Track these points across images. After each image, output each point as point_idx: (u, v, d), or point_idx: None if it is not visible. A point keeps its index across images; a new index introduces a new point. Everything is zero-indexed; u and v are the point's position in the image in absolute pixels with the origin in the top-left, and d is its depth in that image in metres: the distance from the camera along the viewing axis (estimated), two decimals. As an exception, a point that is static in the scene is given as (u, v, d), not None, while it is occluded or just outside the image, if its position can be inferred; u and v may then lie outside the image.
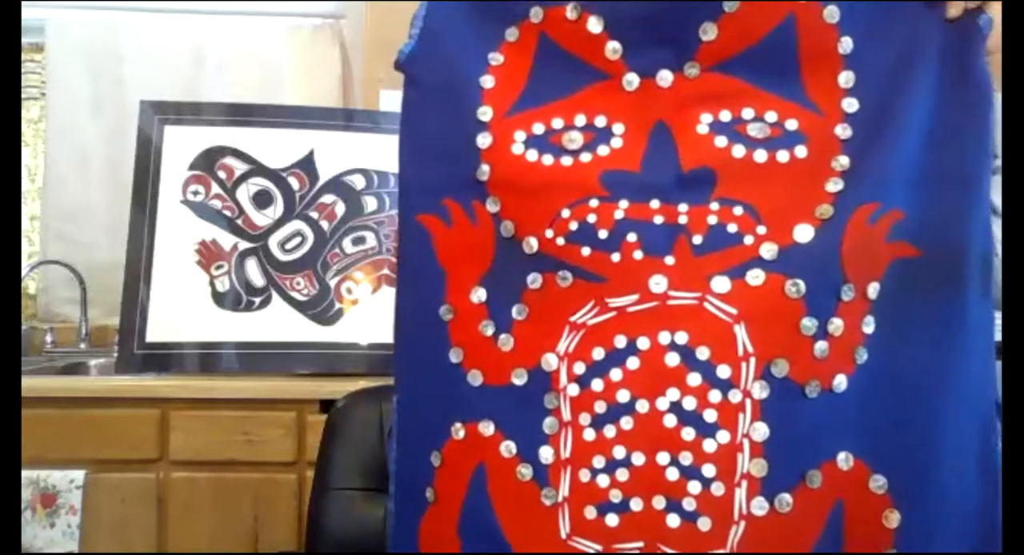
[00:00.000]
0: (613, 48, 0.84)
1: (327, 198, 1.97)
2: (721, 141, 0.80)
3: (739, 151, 0.80)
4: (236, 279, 1.92)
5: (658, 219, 0.80)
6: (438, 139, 0.88)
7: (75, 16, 2.37)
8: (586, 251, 0.80)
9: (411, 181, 0.90)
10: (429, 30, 0.89)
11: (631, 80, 0.83)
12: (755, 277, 0.77)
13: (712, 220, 0.79)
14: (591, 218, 0.81)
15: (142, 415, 1.77)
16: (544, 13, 0.86)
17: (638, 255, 0.79)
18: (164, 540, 1.75)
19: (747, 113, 0.81)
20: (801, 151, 0.79)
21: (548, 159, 0.84)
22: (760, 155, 0.79)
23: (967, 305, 0.77)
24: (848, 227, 0.77)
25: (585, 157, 0.83)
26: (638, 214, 0.80)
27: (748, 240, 0.78)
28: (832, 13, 0.80)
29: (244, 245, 1.94)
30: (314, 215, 1.97)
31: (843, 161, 0.78)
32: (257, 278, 1.93)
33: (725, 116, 0.81)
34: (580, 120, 0.84)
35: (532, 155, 0.84)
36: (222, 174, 1.97)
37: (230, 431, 1.76)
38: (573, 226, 0.81)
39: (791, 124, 0.80)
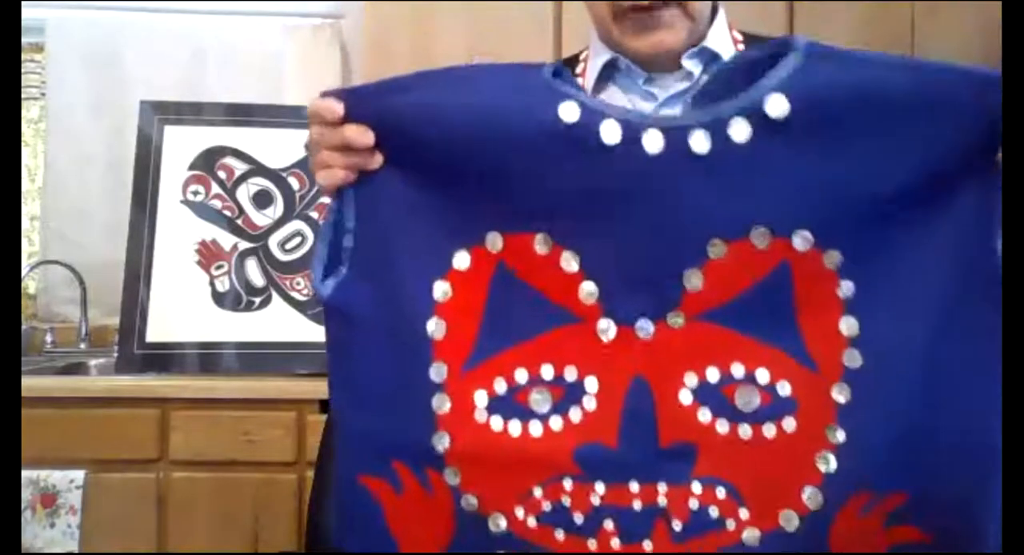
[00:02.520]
0: (589, 290, 0.74)
1: (327, 198, 1.97)
2: (704, 415, 0.73)
3: (723, 426, 0.73)
4: (236, 279, 1.92)
5: (637, 504, 0.73)
6: (381, 393, 0.77)
7: (75, 16, 2.37)
8: (560, 535, 0.74)
9: (351, 433, 0.79)
10: (361, 258, 0.77)
11: (606, 328, 0.74)
12: None
13: (694, 505, 0.73)
14: (566, 501, 0.74)
15: (142, 415, 1.77)
16: (504, 241, 0.75)
17: (616, 543, 0.73)
18: (164, 540, 1.75)
19: (737, 370, 0.73)
20: (789, 424, 0.72)
21: (515, 427, 0.75)
22: (745, 431, 0.72)
23: None
24: (838, 518, 0.71)
25: (556, 423, 0.74)
26: (616, 499, 0.73)
27: (730, 525, 0.72)
28: (833, 258, 0.71)
29: (244, 245, 1.95)
30: (314, 215, 1.97)
31: (839, 435, 0.71)
32: (257, 278, 1.93)
33: (712, 375, 0.73)
34: (547, 372, 0.75)
35: (497, 423, 0.75)
36: (222, 174, 1.97)
37: (230, 431, 1.76)
38: (546, 507, 0.74)
39: (783, 388, 0.72)
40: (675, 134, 0.70)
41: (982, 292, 0.69)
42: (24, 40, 2.36)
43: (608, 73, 0.94)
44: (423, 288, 0.75)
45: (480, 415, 0.75)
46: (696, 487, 0.73)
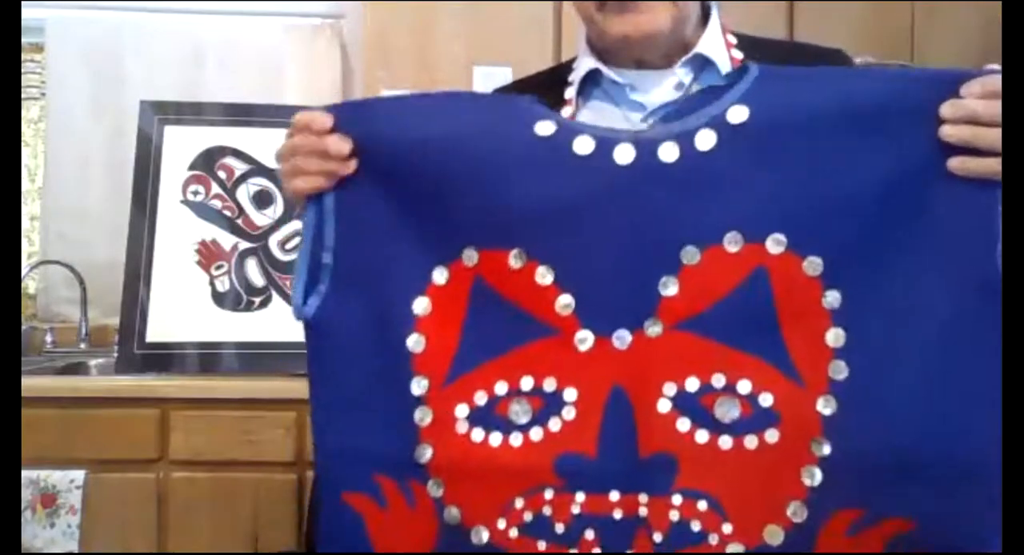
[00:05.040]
0: (564, 303, 0.74)
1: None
2: (683, 424, 0.72)
3: (702, 436, 0.72)
4: (236, 279, 1.92)
5: (617, 513, 0.72)
6: (364, 408, 0.78)
7: (75, 16, 2.37)
8: (542, 545, 0.74)
9: (332, 449, 0.80)
10: (341, 275, 0.79)
11: (584, 338, 0.74)
12: None
13: (674, 516, 0.71)
14: (547, 510, 0.74)
15: (142, 415, 1.77)
16: (480, 257, 0.76)
17: (597, 552, 0.73)
18: (164, 540, 1.75)
19: (718, 380, 0.72)
20: (772, 436, 0.70)
21: (496, 438, 0.75)
22: (725, 442, 0.71)
23: None
24: (822, 534, 0.69)
25: (536, 434, 0.75)
26: (596, 508, 0.73)
27: (713, 539, 0.71)
28: (814, 265, 0.70)
29: (244, 245, 1.95)
30: (314, 215, 1.97)
31: (824, 448, 0.69)
32: (257, 278, 1.93)
33: (692, 384, 0.72)
34: (527, 383, 0.75)
35: (478, 434, 0.76)
36: (222, 174, 1.97)
37: (230, 431, 1.76)
38: (528, 517, 0.74)
39: (765, 399, 0.71)
40: (645, 146, 0.73)
41: (978, 302, 0.68)
42: (24, 40, 2.36)
43: (596, 81, 0.93)
44: (403, 304, 0.77)
45: (461, 427, 0.76)
46: (677, 499, 0.72)
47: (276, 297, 1.93)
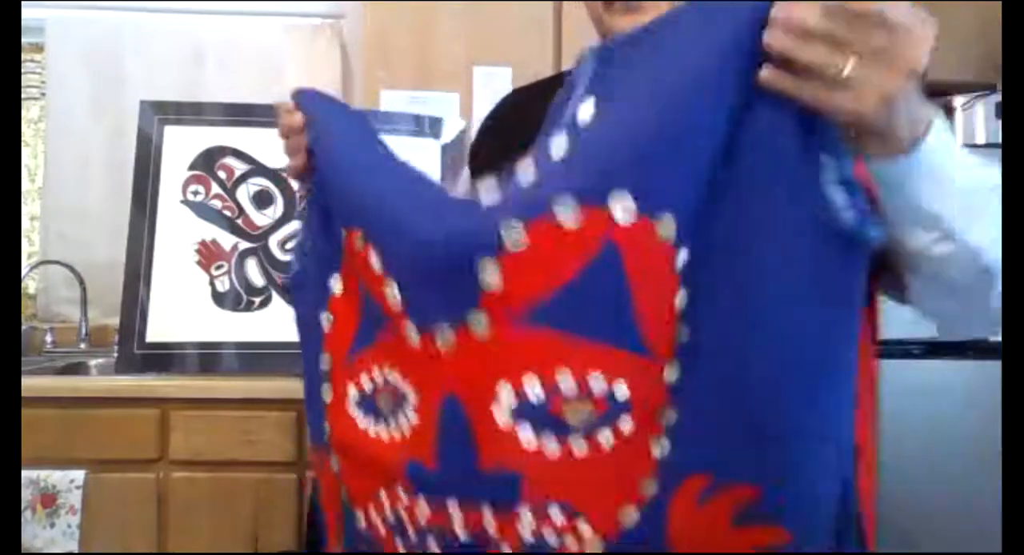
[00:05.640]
0: (391, 292, 0.69)
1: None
2: (527, 436, 0.63)
3: (552, 447, 0.63)
4: (236, 279, 1.92)
5: (462, 533, 0.66)
6: (308, 383, 0.81)
7: (75, 16, 2.37)
8: (400, 546, 0.71)
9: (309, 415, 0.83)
10: (304, 250, 0.83)
11: (412, 335, 0.68)
12: None
13: (525, 531, 0.65)
14: (401, 511, 0.70)
15: (142, 415, 1.77)
16: (346, 235, 0.74)
17: None
18: (164, 540, 1.75)
19: (565, 381, 0.62)
20: (627, 424, 0.63)
21: (371, 425, 0.74)
22: (579, 447, 0.63)
23: None
24: (675, 504, 0.62)
25: (395, 431, 0.72)
26: (440, 521, 0.67)
27: (570, 542, 0.65)
28: (667, 226, 0.60)
29: (244, 245, 1.94)
30: (314, 215, 1.97)
31: (670, 415, 0.62)
32: (257, 278, 1.93)
33: (534, 389, 0.63)
34: (381, 376, 0.73)
35: (360, 419, 0.75)
36: (222, 174, 1.97)
37: (230, 431, 1.76)
38: (388, 512, 0.72)
39: (620, 390, 0.62)
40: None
41: (818, 246, 0.59)
42: (24, 40, 2.36)
43: None
44: (324, 280, 0.79)
45: (351, 409, 0.76)
46: (525, 513, 0.65)
47: (276, 297, 1.92)
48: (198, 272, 1.92)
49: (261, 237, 1.96)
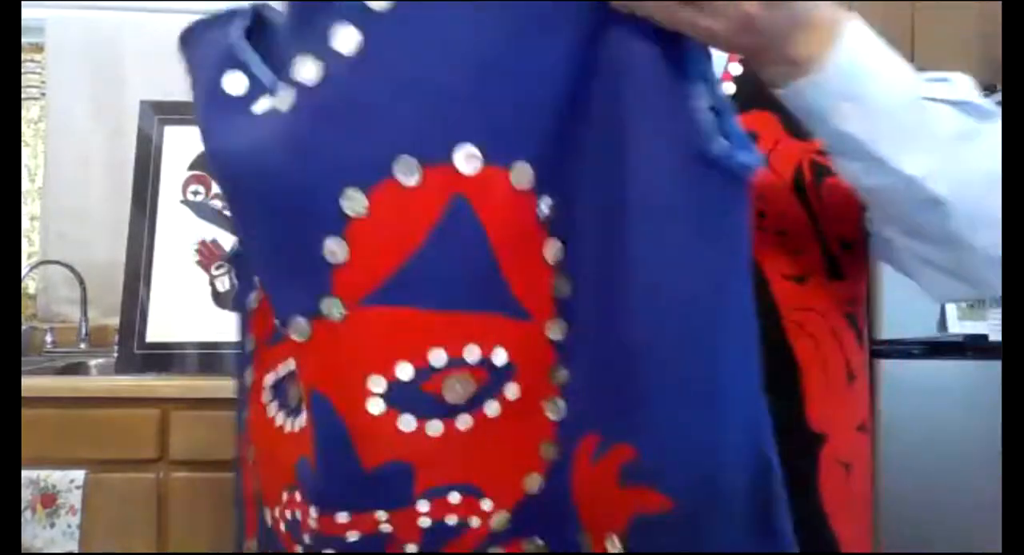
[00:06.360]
0: (256, 280, 0.66)
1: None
2: (407, 423, 0.58)
3: (435, 428, 0.59)
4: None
5: (352, 535, 0.61)
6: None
7: (75, 16, 2.37)
8: (299, 550, 0.65)
9: None
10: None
11: (276, 326, 0.63)
12: (496, 551, 0.62)
13: (425, 523, 0.61)
14: (297, 514, 0.65)
15: (142, 415, 1.76)
16: None
17: None
18: (164, 540, 1.75)
19: (437, 357, 0.57)
20: (512, 391, 0.59)
21: (279, 415, 0.69)
22: (465, 422, 0.59)
23: None
24: (575, 467, 0.59)
25: (297, 423, 0.67)
26: (328, 528, 0.62)
27: (475, 523, 0.61)
28: (523, 173, 0.55)
29: (244, 245, 1.94)
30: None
31: (561, 374, 0.59)
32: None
33: (405, 372, 0.58)
34: (286, 367, 0.68)
35: (271, 408, 0.71)
36: (222, 174, 1.97)
37: (230, 431, 1.76)
38: (288, 515, 0.66)
39: (499, 356, 0.58)
40: (282, 70, 0.58)
41: (697, 185, 0.52)
42: (24, 40, 2.36)
43: None
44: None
45: (265, 396, 0.72)
46: (423, 505, 0.60)
47: (276, 297, 1.93)
48: (198, 272, 1.92)
49: (261, 237, 1.96)
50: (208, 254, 1.93)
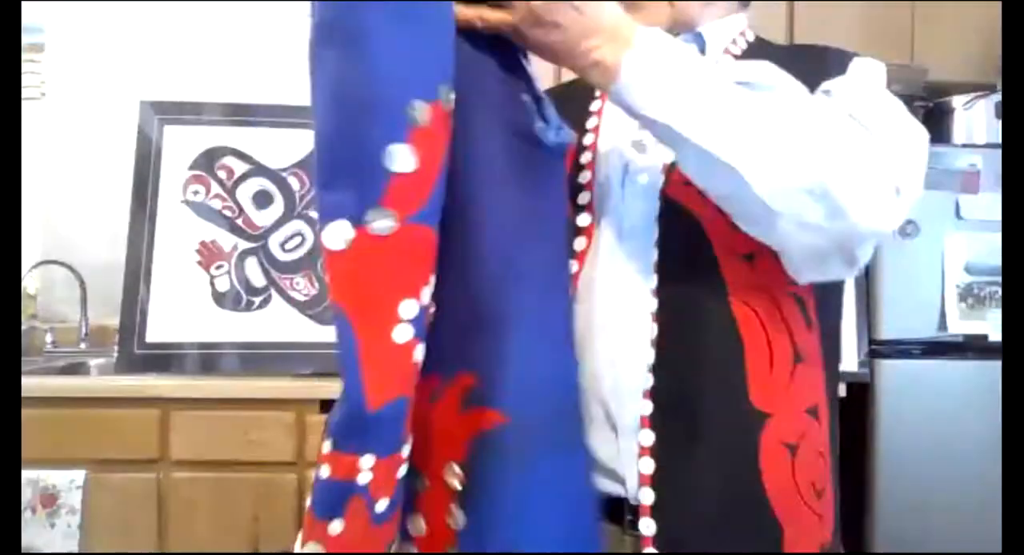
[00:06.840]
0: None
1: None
2: (421, 352, 0.64)
3: (420, 353, 0.64)
4: (236, 279, 1.92)
5: (363, 478, 0.63)
6: None
7: (75, 16, 2.37)
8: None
9: None
10: None
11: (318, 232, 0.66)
12: None
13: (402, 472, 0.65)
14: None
15: (142, 415, 1.77)
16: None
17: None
18: (164, 540, 1.75)
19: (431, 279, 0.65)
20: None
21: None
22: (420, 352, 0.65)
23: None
24: (415, 408, 0.63)
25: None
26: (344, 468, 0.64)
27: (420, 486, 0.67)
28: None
29: (244, 245, 1.94)
30: (314, 215, 1.97)
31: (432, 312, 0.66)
32: (257, 278, 1.93)
33: (426, 297, 0.64)
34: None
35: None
36: (222, 174, 1.97)
37: (230, 431, 1.76)
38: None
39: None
40: None
41: (526, 156, 0.65)
42: (24, 40, 2.36)
43: None
44: None
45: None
46: (406, 452, 0.64)
47: (276, 297, 1.93)
48: (198, 272, 1.92)
49: (261, 237, 1.96)
50: (208, 254, 1.93)
